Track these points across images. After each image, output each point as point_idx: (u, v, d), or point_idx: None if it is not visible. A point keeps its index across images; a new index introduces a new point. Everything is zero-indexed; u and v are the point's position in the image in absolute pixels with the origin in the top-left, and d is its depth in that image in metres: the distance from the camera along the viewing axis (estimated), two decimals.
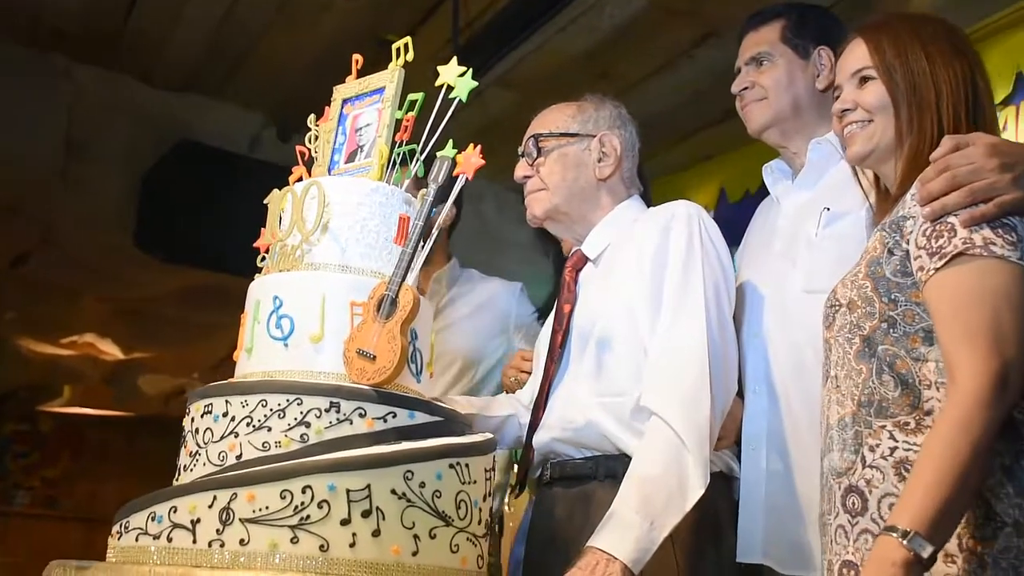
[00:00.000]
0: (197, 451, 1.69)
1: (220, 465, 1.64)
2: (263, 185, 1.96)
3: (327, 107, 2.07)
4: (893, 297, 1.51)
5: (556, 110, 2.20)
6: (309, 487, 1.53)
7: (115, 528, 1.68)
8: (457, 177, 1.83)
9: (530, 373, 2.36)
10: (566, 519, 1.96)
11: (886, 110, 1.64)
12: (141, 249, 4.64)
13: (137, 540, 1.61)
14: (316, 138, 2.05)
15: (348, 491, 1.54)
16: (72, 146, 4.46)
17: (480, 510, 1.70)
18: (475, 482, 1.69)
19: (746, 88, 2.19)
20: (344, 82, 2.08)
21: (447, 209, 1.82)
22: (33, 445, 8.42)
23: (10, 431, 8.35)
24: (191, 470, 1.69)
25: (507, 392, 2.43)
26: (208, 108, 4.66)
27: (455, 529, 1.63)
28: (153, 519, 1.60)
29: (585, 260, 2.13)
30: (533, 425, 2.07)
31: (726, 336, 1.92)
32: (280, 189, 1.92)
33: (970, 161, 1.46)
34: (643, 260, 1.96)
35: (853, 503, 1.48)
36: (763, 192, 2.34)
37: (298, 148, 2.06)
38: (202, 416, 1.71)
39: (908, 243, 1.50)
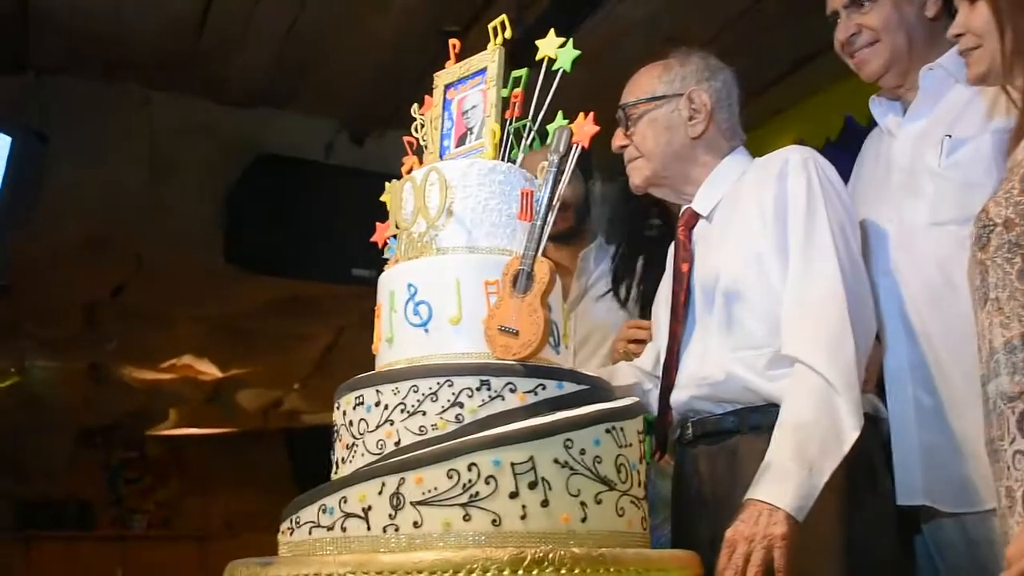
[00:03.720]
0: (354, 442, 1.72)
1: (379, 453, 1.67)
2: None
3: (428, 96, 2.08)
4: None
5: (643, 73, 2.18)
6: (474, 464, 1.55)
7: (284, 525, 1.72)
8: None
9: (642, 341, 2.35)
10: (712, 476, 1.96)
11: (992, 32, 1.58)
12: (232, 263, 4.74)
13: (311, 533, 1.64)
14: (422, 127, 2.07)
15: (512, 464, 1.55)
16: (156, 172, 4.57)
17: (638, 472, 1.71)
18: (631, 445, 1.70)
19: (854, 34, 2.08)
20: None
21: (566, 178, 1.82)
22: (143, 470, 8.68)
23: (120, 458, 8.63)
24: (350, 461, 1.72)
25: None
26: (281, 119, 4.72)
27: (619, 493, 1.64)
28: (324, 511, 1.63)
29: (697, 217, 2.12)
30: (667, 387, 2.07)
31: (859, 276, 1.90)
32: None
33: None
34: (764, 209, 1.94)
35: None
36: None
37: (405, 139, 2.08)
38: (354, 408, 1.73)
39: None
